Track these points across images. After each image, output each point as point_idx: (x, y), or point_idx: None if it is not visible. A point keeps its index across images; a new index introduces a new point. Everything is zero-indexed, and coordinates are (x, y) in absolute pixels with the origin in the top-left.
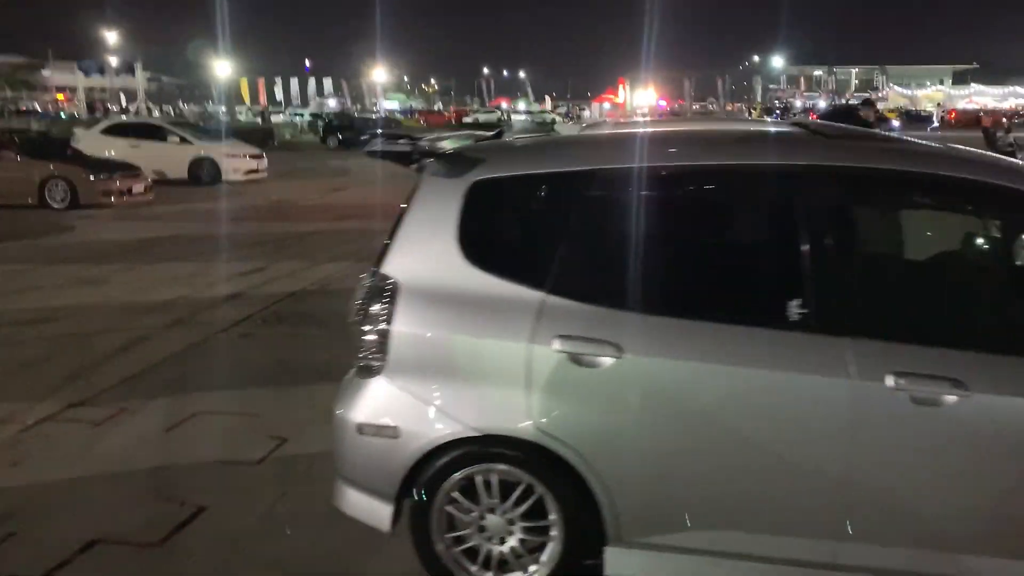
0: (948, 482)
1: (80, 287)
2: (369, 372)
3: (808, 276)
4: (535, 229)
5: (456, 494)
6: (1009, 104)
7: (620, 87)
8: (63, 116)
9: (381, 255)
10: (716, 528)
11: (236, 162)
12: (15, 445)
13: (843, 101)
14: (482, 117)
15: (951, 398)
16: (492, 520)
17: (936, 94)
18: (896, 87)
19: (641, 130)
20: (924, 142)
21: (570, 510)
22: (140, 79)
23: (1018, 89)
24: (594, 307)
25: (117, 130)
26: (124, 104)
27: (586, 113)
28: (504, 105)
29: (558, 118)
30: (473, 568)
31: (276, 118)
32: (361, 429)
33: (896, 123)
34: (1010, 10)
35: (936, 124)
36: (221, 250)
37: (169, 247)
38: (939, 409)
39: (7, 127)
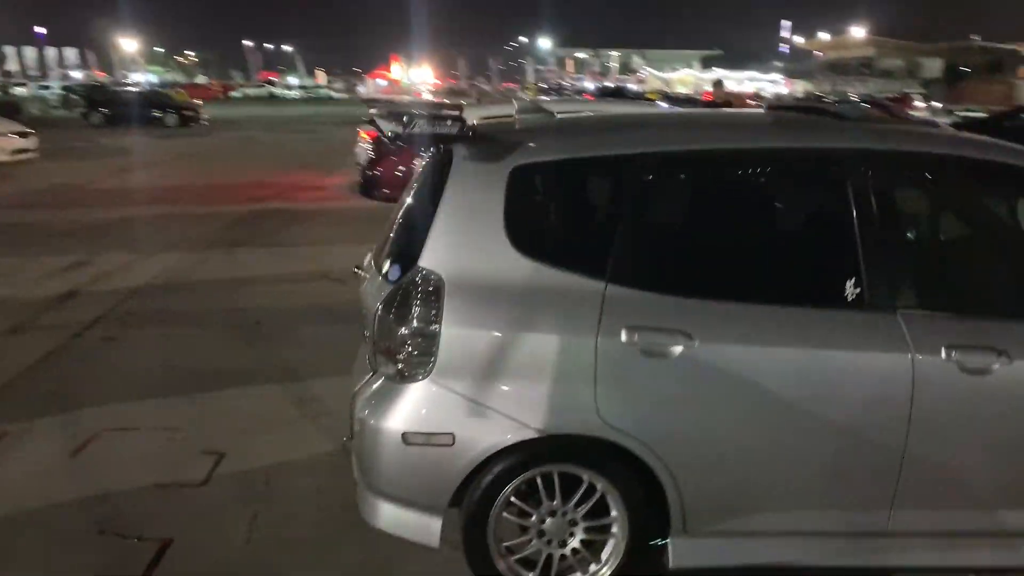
0: (993, 443)
1: None
2: (411, 377)
3: (867, 256)
4: (590, 216)
5: (515, 499)
6: (752, 88)
7: (393, 63)
8: None
9: (391, 248)
10: (787, 509)
11: (1, 141)
12: None
13: (610, 84)
14: (251, 92)
15: (996, 366)
16: (552, 523)
17: (687, 78)
18: (651, 70)
19: (698, 111)
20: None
21: (634, 505)
22: None
23: (755, 74)
24: (659, 295)
25: None
26: None
27: (360, 89)
28: (274, 80)
29: (333, 93)
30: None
31: (19, 90)
32: (407, 439)
33: (664, 104)
34: None
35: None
36: (25, 243)
37: None
38: (984, 378)
39: None
